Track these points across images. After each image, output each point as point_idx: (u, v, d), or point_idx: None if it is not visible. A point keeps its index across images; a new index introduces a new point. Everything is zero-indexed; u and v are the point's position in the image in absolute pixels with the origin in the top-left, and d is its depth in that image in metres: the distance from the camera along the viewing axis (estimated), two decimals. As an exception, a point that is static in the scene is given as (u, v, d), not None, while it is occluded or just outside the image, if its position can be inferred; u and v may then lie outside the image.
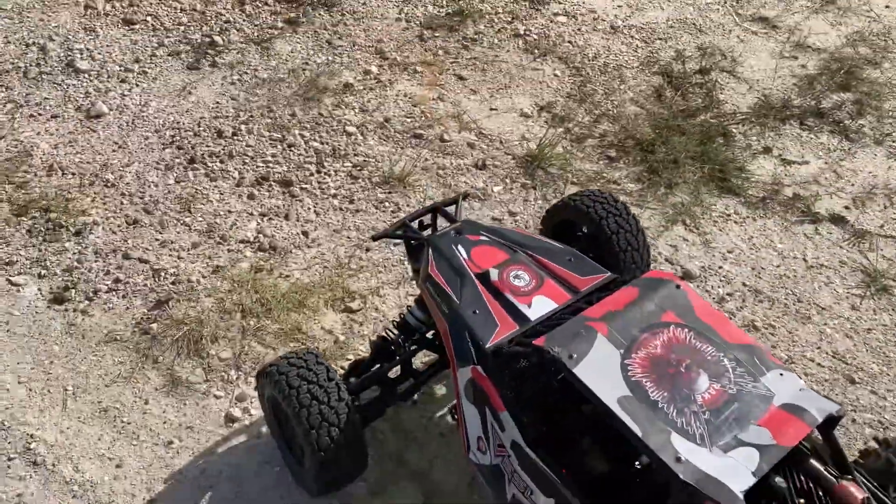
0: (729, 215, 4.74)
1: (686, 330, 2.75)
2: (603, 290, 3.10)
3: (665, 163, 4.97)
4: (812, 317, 4.22)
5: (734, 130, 5.30)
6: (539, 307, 3.03)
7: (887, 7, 6.68)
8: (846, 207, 4.83)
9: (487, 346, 2.89)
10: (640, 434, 2.44)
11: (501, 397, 2.84)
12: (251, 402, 3.66)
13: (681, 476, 2.33)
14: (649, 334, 2.72)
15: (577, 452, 2.86)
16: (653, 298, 2.84)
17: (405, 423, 3.62)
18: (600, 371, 2.59)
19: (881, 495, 2.69)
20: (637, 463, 2.78)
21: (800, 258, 4.53)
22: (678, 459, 2.38)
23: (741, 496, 2.28)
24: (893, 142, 5.33)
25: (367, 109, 5.24)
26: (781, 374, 2.66)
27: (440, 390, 3.75)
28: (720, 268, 4.44)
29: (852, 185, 4.99)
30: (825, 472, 2.52)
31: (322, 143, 4.97)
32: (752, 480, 2.33)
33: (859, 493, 2.45)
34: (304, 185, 4.71)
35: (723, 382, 2.60)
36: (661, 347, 2.68)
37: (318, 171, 4.80)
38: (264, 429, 3.53)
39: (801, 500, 2.49)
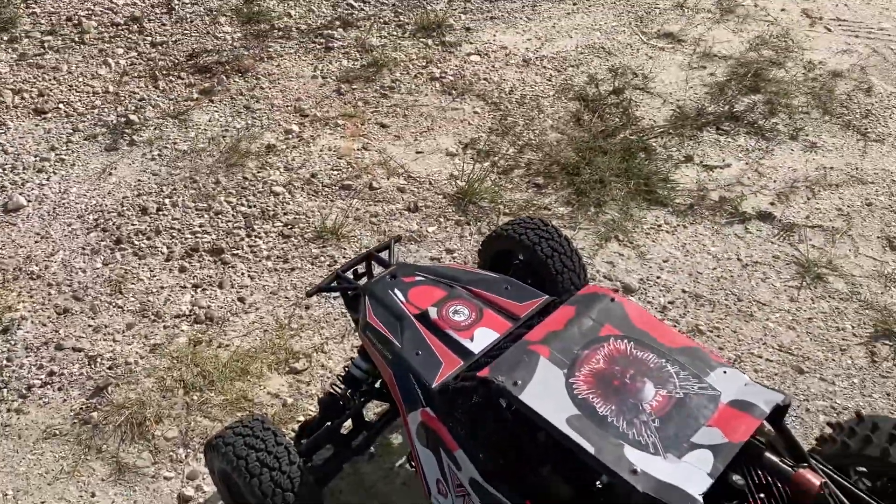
0: (660, 226, 4.82)
1: (626, 341, 2.75)
2: (543, 313, 3.10)
3: (591, 183, 5.03)
4: (754, 314, 4.27)
5: (654, 144, 5.41)
6: (481, 339, 3.00)
7: (783, 10, 6.96)
8: (771, 203, 4.95)
9: (433, 385, 2.85)
10: (593, 451, 2.41)
11: (453, 436, 2.79)
12: (203, 479, 3.53)
13: (638, 488, 2.31)
14: (590, 350, 2.71)
15: (538, 481, 2.81)
16: (590, 314, 2.84)
17: (365, 478, 3.53)
18: (546, 394, 2.57)
19: (840, 479, 2.70)
20: (598, 483, 2.74)
21: (734, 258, 4.61)
22: (634, 472, 2.35)
23: (700, 499, 2.27)
24: (807, 136, 5.50)
25: (293, 167, 5.22)
26: (725, 372, 2.67)
27: (396, 439, 3.68)
28: (658, 278, 4.49)
29: (774, 181, 5.12)
30: (781, 464, 2.52)
31: (250, 207, 4.92)
32: (708, 482, 2.32)
33: (817, 480, 2.46)
34: (235, 251, 4.64)
35: (668, 388, 2.60)
36: (603, 361, 2.67)
37: (249, 235, 4.74)
38: (219, 504, 3.41)
39: (762, 495, 2.48)
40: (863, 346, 4.09)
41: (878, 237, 4.70)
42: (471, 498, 2.78)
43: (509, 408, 2.93)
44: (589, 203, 4.94)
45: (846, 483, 2.68)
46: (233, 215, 4.86)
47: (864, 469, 2.95)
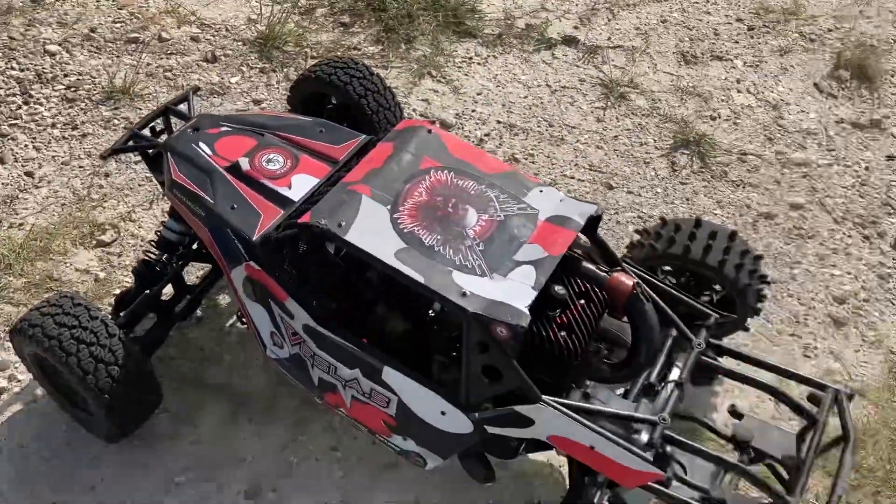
0: (471, 59, 4.77)
1: (446, 172, 2.74)
2: (361, 153, 3.01)
3: (399, 19, 4.86)
4: (565, 137, 4.41)
5: (459, -27, 5.27)
6: (300, 186, 2.89)
7: None
8: (575, 27, 5.01)
9: (254, 238, 2.73)
10: (422, 280, 2.43)
11: (282, 285, 2.72)
12: (16, 368, 3.28)
13: (469, 309, 2.37)
14: (412, 184, 2.68)
15: (373, 319, 2.83)
16: (408, 148, 2.79)
17: (196, 342, 3.42)
18: (372, 231, 2.53)
19: (649, 278, 2.91)
20: (430, 311, 2.79)
21: (543, 85, 4.68)
22: (463, 294, 2.41)
23: (526, 311, 2.36)
24: (604, -43, 5.55)
25: (67, 23, 4.64)
26: (541, 191, 2.74)
27: (224, 300, 3.56)
28: (473, 111, 4.49)
29: (576, 5, 5.17)
30: (597, 271, 2.67)
31: (22, 70, 4.36)
32: (533, 294, 2.41)
33: (629, 280, 2.63)
34: (13, 122, 4.14)
35: (490, 212, 2.63)
36: (426, 194, 2.66)
37: (27, 103, 4.23)
38: (39, 391, 3.19)
39: (582, 302, 2.63)
40: (664, 157, 4.35)
41: (674, 52, 4.91)
42: (307, 344, 2.76)
43: (337, 251, 2.88)
44: (399, 40, 4.78)
45: (655, 281, 2.90)
46: (3, 82, 4.30)
47: (669, 268, 3.20)
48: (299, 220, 2.59)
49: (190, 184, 2.91)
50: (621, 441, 2.43)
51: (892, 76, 4.89)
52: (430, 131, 2.87)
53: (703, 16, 5.17)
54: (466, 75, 4.68)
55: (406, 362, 2.65)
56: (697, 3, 5.26)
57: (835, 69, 4.86)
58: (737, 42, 5.01)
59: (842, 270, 3.91)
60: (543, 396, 2.45)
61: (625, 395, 2.75)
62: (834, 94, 4.77)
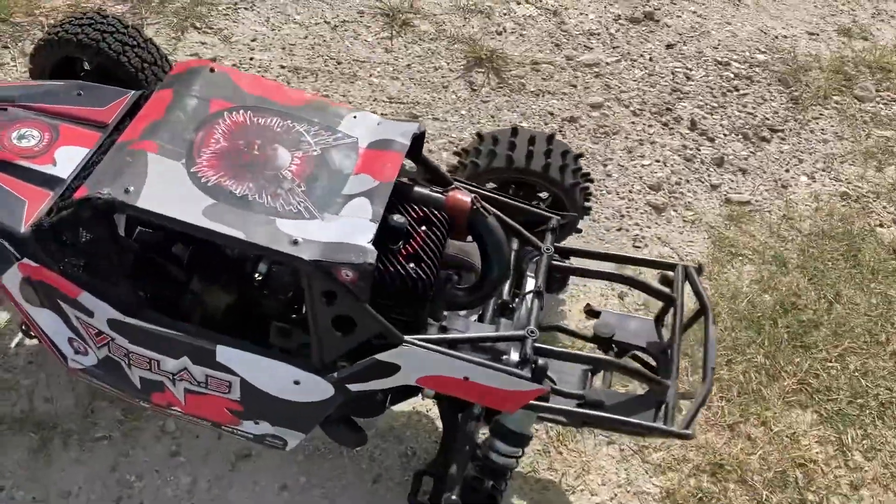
0: (236, 4, 4.33)
1: (242, 111, 2.38)
2: (135, 112, 2.57)
3: (145, -30, 4.30)
4: (357, 73, 4.12)
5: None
6: (67, 160, 2.41)
7: None
8: (342, -41, 4.71)
9: (23, 230, 2.24)
10: (243, 237, 2.09)
11: (71, 279, 2.26)
12: None
13: (305, 257, 2.06)
14: (205, 131, 2.30)
15: (191, 299, 2.44)
16: (192, 92, 2.39)
17: (-24, 374, 2.84)
18: (169, 192, 2.14)
19: (484, 192, 2.74)
20: (257, 274, 2.43)
21: (322, 22, 4.34)
22: (294, 242, 2.09)
23: (370, 246, 2.10)
24: None
25: None
26: (355, 117, 2.46)
27: (3, 316, 2.99)
28: (251, 59, 4.08)
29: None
30: (431, 192, 2.45)
31: None
32: (373, 227, 2.15)
33: (467, 197, 2.44)
34: None
35: (303, 149, 2.32)
36: (224, 139, 2.29)
37: None
38: None
39: (423, 228, 2.40)
40: (460, 79, 4.19)
41: (447, -27, 4.76)
42: (117, 342, 2.33)
43: (131, 225, 2.46)
44: (149, -7, 4.24)
45: (489, 194, 2.73)
46: None
47: (493, 184, 3.05)
48: (75, 196, 2.13)
49: None
50: (496, 364, 2.25)
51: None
52: (212, 70, 2.48)
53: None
54: (235, 22, 4.24)
55: (241, 337, 2.31)
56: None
57: (602, -30, 4.93)
58: (506, -45, 4.94)
59: (650, 159, 3.97)
60: (405, 337, 2.22)
61: (480, 319, 2.59)
62: (606, -7, 4.83)
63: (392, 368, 2.26)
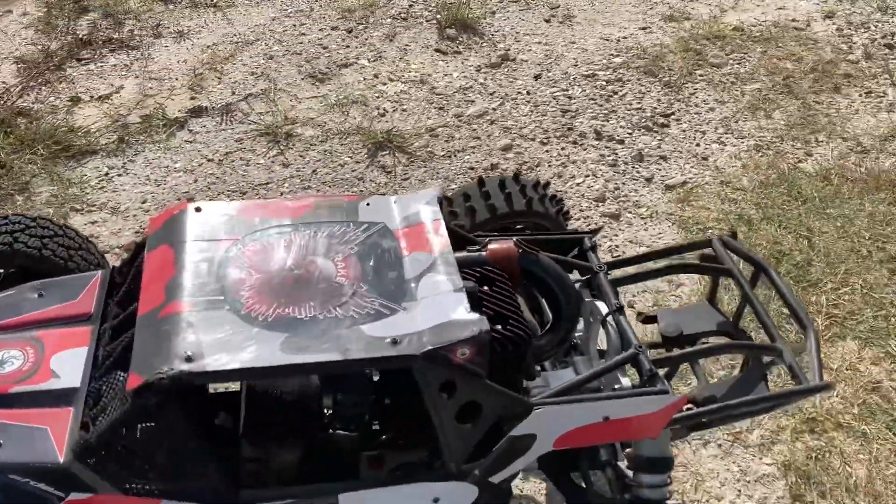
0: (107, 174, 3.97)
1: (255, 239, 2.10)
2: (113, 291, 2.22)
3: (-7, 172, 3.84)
4: (266, 196, 3.88)
5: None
6: (69, 367, 2.00)
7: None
8: (192, 98, 4.46)
9: (62, 461, 1.81)
10: (340, 357, 1.80)
11: (141, 495, 1.84)
12: None
13: (416, 353, 1.81)
14: (231, 271, 2.00)
15: (255, 464, 2.07)
16: (192, 238, 2.09)
17: None
18: (232, 343, 1.81)
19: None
20: (326, 409, 2.10)
21: (205, 161, 4.06)
22: (395, 342, 1.84)
23: (475, 315, 1.89)
24: None
25: None
26: (368, 204, 2.25)
27: None
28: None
29: (176, 80, 4.61)
30: (471, 253, 2.26)
31: None
32: (463, 296, 1.94)
33: (507, 242, 2.28)
34: None
35: (341, 251, 2.08)
36: (256, 272, 2.00)
37: None
38: None
39: (484, 287, 2.19)
40: (371, 167, 4.05)
41: (303, 78, 4.65)
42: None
43: (192, 396, 2.08)
44: (6, 195, 3.78)
45: (513, 235, 2.58)
46: None
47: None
48: (130, 388, 1.75)
49: None
50: (632, 390, 2.08)
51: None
52: (198, 209, 2.18)
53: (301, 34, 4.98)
54: (115, 192, 3.86)
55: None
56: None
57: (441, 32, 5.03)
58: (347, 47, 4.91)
59: (581, 177, 4.00)
60: (532, 401, 1.99)
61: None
62: (455, 49, 4.91)
63: (529, 440, 2.01)
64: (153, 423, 1.83)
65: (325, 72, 4.68)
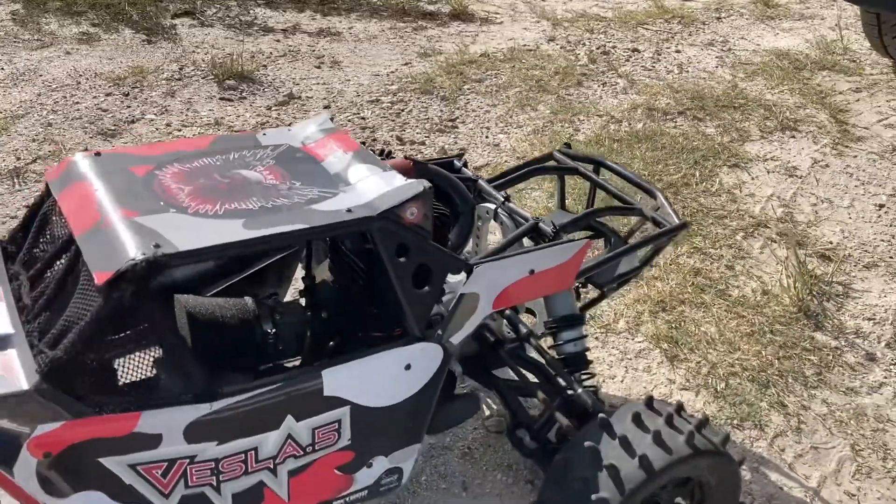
0: None
1: (169, 165, 2.10)
2: (8, 260, 2.08)
3: None
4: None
5: None
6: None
7: None
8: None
9: (27, 387, 1.64)
10: (306, 226, 1.86)
11: (120, 411, 1.72)
12: None
13: (371, 214, 1.92)
14: (157, 187, 1.98)
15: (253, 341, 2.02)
16: (103, 171, 2.04)
17: None
18: (192, 230, 1.80)
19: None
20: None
21: (7, 221, 3.77)
22: (349, 210, 1.94)
23: (413, 180, 2.04)
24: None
25: None
26: (265, 134, 2.34)
27: None
28: None
29: None
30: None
31: None
32: (394, 172, 2.09)
33: (402, 160, 2.48)
34: None
35: (260, 164, 2.16)
36: (186, 184, 2.01)
37: None
38: None
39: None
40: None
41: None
42: (198, 461, 1.82)
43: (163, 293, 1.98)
44: None
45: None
46: None
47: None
48: (98, 283, 1.66)
49: None
50: (547, 244, 2.33)
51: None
52: (98, 154, 2.12)
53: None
54: None
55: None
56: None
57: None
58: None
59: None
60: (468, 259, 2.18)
61: None
62: (239, 96, 5.05)
63: (474, 299, 2.17)
64: (125, 325, 1.73)
65: (114, 128, 4.57)
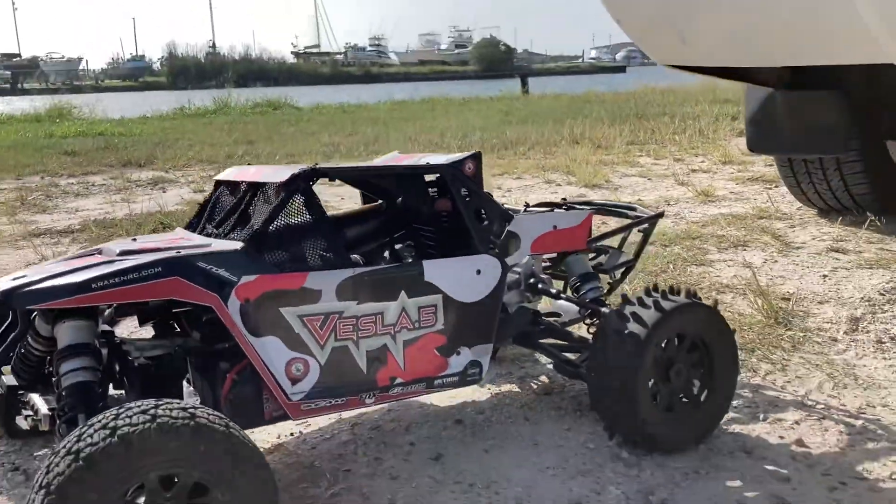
0: None
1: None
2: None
3: None
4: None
5: None
6: (189, 240, 2.69)
7: None
8: None
9: (239, 247, 2.48)
10: (411, 164, 2.81)
11: (293, 270, 2.51)
12: None
13: (445, 163, 2.90)
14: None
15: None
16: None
17: None
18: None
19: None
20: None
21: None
22: (428, 164, 2.91)
23: (454, 154, 3.03)
24: None
25: None
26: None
27: None
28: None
29: None
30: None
31: None
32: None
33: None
34: None
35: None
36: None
37: None
38: None
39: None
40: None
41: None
42: (345, 317, 2.55)
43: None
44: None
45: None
46: None
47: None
48: (281, 181, 2.56)
49: None
50: (562, 210, 3.25)
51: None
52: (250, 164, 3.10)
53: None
54: None
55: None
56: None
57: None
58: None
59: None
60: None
61: None
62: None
63: (517, 238, 3.04)
64: (297, 211, 2.59)
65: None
